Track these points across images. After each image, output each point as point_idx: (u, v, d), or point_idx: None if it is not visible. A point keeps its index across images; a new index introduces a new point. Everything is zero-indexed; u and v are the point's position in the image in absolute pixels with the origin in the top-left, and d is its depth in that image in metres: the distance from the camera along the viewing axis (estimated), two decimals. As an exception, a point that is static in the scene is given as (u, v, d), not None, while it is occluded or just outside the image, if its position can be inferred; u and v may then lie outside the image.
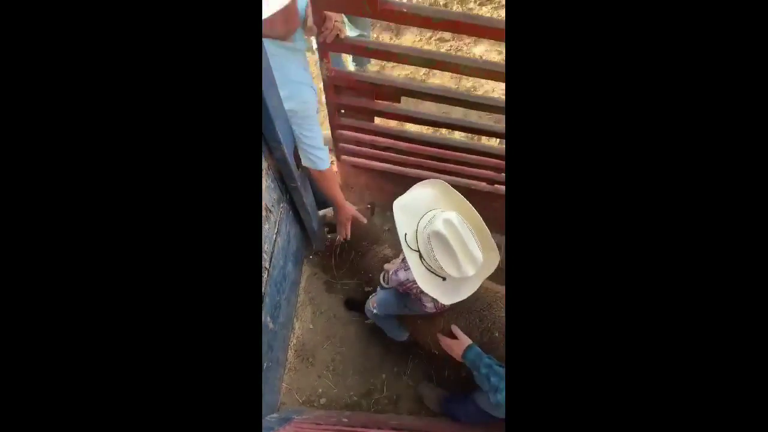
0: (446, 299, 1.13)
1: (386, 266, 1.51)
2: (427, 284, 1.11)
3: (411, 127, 1.75)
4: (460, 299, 1.15)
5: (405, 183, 1.81)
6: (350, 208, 1.64)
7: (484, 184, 1.76)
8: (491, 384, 1.19)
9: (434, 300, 1.30)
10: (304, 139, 1.30)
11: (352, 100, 1.44)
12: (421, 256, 1.11)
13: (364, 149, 1.73)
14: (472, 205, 1.21)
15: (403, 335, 1.64)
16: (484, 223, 1.19)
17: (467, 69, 1.18)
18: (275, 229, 1.40)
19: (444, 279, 1.11)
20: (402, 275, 1.31)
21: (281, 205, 1.45)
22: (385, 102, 1.47)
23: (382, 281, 1.50)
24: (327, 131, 1.59)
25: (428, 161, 1.69)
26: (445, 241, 1.06)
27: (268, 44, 1.10)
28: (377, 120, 1.73)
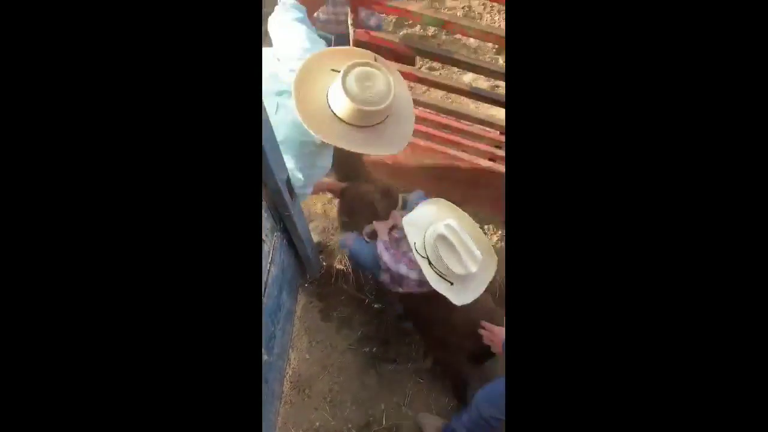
0: (456, 300, 1.28)
1: (376, 224, 1.53)
2: (437, 286, 1.27)
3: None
4: (467, 302, 1.29)
5: (413, 149, 1.90)
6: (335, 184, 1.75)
7: (487, 160, 1.81)
8: None
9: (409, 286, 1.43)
10: (297, 191, 1.44)
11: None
12: (430, 263, 1.27)
13: None
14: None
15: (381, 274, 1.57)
16: (480, 230, 1.41)
17: (472, 30, 1.35)
18: (269, 259, 1.39)
19: (451, 284, 1.27)
20: (404, 270, 1.39)
21: (275, 234, 1.44)
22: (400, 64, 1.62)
23: (365, 235, 1.54)
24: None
25: (436, 131, 1.79)
26: (448, 242, 1.25)
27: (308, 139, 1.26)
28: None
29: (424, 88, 2.31)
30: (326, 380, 1.81)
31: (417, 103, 1.73)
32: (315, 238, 1.98)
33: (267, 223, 1.35)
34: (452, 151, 1.87)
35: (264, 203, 1.30)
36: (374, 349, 1.86)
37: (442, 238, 1.25)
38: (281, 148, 1.16)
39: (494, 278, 1.92)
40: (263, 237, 1.33)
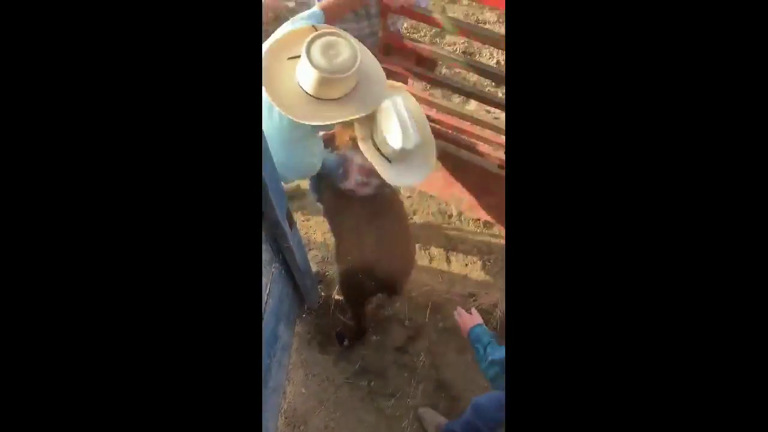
0: (390, 179, 1.31)
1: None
2: (374, 161, 1.30)
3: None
4: (400, 184, 1.40)
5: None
6: None
7: (496, 165, 1.86)
8: (486, 352, 1.21)
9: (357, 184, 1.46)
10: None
11: (395, 60, 1.72)
12: (372, 137, 1.30)
13: None
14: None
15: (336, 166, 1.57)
16: (427, 123, 1.42)
17: (485, 37, 1.51)
18: (266, 291, 1.37)
19: (390, 161, 1.30)
20: (350, 153, 1.44)
21: (273, 266, 1.43)
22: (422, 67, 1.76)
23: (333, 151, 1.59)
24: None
25: (449, 132, 1.87)
26: (389, 114, 1.25)
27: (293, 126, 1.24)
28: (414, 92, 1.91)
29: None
30: (322, 416, 1.76)
31: (433, 105, 1.83)
32: (314, 267, 1.96)
33: (265, 255, 1.34)
34: (464, 156, 1.93)
35: (263, 236, 1.30)
36: (372, 383, 1.82)
37: (384, 109, 1.26)
38: (271, 150, 1.13)
39: (495, 310, 1.92)
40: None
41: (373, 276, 1.51)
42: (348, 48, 1.17)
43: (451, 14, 1.61)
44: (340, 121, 1.20)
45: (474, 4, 2.93)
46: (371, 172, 1.36)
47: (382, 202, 1.50)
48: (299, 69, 1.18)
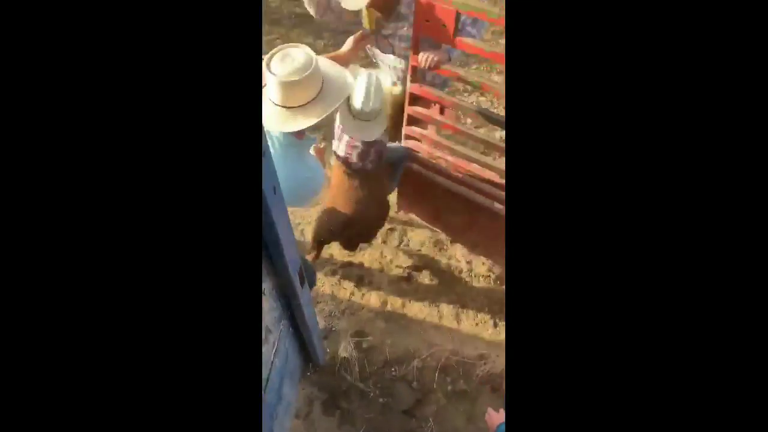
0: (349, 129, 1.63)
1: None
2: (342, 114, 1.61)
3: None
4: (357, 137, 1.65)
5: (439, 196, 2.06)
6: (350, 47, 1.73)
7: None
8: None
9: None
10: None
11: (420, 110, 1.90)
12: (349, 101, 1.57)
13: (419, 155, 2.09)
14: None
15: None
16: (388, 100, 1.72)
17: (498, 88, 1.68)
18: (273, 350, 1.34)
19: (354, 119, 1.61)
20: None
21: (282, 323, 1.41)
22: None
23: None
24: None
25: (470, 179, 1.98)
26: (361, 83, 1.55)
27: (282, 142, 1.40)
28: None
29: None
30: (323, 485, 1.65)
31: (451, 152, 1.95)
32: (321, 322, 1.93)
33: (275, 312, 1.32)
34: (480, 200, 1.99)
35: (274, 293, 1.29)
36: (377, 450, 1.72)
37: (360, 79, 1.56)
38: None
39: (498, 373, 1.84)
40: (270, 327, 1.29)
41: (338, 221, 1.81)
42: (302, 54, 1.32)
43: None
44: (311, 124, 1.33)
45: (482, 67, 3.09)
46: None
47: (371, 171, 1.78)
48: (267, 85, 1.32)
